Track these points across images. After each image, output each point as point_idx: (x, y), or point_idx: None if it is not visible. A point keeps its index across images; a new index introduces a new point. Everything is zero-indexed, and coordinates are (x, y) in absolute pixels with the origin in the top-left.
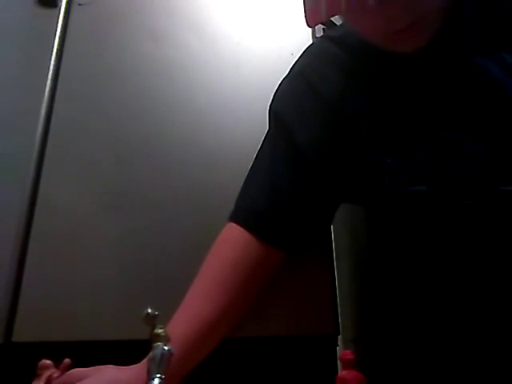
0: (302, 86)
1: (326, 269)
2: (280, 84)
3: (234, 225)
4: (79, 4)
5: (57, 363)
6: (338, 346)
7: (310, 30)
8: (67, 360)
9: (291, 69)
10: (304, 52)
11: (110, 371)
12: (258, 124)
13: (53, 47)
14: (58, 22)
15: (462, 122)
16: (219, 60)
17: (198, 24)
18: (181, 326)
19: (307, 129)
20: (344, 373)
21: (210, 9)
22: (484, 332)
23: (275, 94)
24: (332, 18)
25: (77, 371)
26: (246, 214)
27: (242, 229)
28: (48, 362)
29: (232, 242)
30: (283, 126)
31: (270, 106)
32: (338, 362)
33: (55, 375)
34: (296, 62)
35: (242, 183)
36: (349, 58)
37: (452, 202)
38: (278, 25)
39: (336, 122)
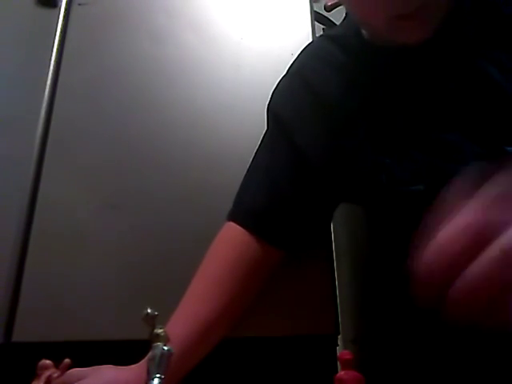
0: (299, 85)
1: (326, 269)
2: (278, 83)
3: (232, 224)
4: (79, 4)
5: (57, 363)
6: (337, 346)
7: (310, 29)
8: (67, 360)
9: (289, 68)
10: (302, 51)
11: (109, 371)
12: (258, 124)
13: (53, 47)
14: (58, 22)
15: (460, 122)
16: (219, 60)
17: (198, 24)
18: (179, 326)
19: (306, 128)
20: (342, 373)
21: (210, 9)
22: (484, 333)
23: (273, 93)
24: (332, 18)
25: (76, 371)
26: (244, 213)
27: (240, 228)
28: (48, 362)
29: (230, 242)
30: (282, 125)
31: (268, 106)
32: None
33: (55, 375)
34: (294, 61)
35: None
36: (347, 57)
37: None
38: (278, 25)
39: (334, 122)
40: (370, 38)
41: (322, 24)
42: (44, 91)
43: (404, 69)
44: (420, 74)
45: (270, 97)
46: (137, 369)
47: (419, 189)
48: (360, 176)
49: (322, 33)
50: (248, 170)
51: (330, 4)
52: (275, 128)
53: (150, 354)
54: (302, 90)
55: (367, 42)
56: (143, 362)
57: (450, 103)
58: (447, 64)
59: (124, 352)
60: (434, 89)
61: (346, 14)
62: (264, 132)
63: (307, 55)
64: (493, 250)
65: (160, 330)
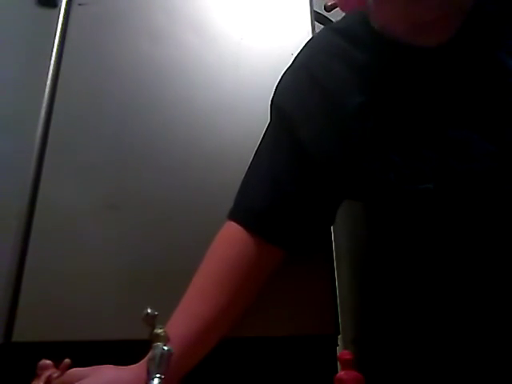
0: (305, 79)
1: (326, 269)
2: (282, 76)
3: (232, 223)
4: (79, 4)
5: (57, 363)
6: (337, 346)
7: (310, 29)
8: (67, 360)
9: (294, 61)
10: (307, 44)
11: (109, 371)
12: (258, 124)
13: (53, 47)
14: (58, 22)
15: (473, 119)
16: (219, 60)
17: (198, 24)
18: (179, 326)
19: (310, 123)
20: (342, 373)
21: (210, 9)
22: (484, 333)
23: (277, 86)
24: (332, 18)
25: (76, 371)
26: (245, 212)
27: (240, 227)
28: (48, 362)
29: (231, 241)
30: (286, 120)
31: (272, 100)
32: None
33: (55, 375)
34: (299, 53)
35: None
36: (355, 50)
37: (459, 201)
38: (278, 25)
39: (340, 117)
40: (380, 28)
41: (322, 24)
42: (44, 91)
43: (416, 62)
44: (433, 67)
45: (273, 91)
46: (137, 369)
47: (428, 188)
48: (367, 174)
49: None
50: (249, 167)
51: (329, 4)
52: (278, 123)
53: (150, 354)
54: (308, 84)
55: (376, 32)
56: (143, 362)
57: (465, 99)
58: (463, 59)
59: (124, 352)
60: (448, 84)
61: None
62: (266, 126)
63: (312, 48)
64: None
65: (160, 330)
